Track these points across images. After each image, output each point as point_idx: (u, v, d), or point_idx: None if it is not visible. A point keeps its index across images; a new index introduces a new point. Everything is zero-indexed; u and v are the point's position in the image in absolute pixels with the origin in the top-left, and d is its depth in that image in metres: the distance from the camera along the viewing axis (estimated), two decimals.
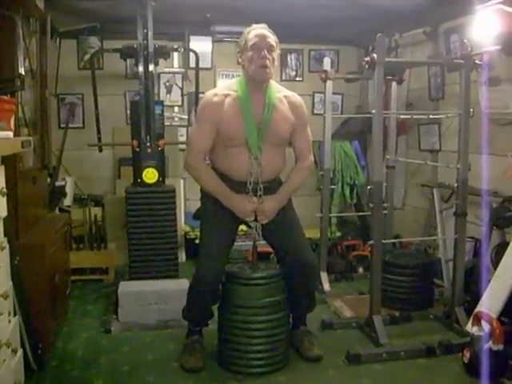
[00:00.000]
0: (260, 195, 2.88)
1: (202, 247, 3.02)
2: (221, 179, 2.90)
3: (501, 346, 2.80)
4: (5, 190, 2.19)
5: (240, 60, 2.90)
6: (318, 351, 3.11)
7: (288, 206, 3.04)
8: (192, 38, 5.32)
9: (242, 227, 3.16)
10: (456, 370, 2.95)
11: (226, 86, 3.02)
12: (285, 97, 2.97)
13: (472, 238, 3.91)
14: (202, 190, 3.06)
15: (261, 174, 2.85)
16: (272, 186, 2.95)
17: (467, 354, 2.91)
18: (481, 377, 2.74)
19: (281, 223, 2.98)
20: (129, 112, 4.71)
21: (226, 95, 2.89)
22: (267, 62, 2.79)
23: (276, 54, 2.86)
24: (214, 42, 5.42)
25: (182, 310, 3.16)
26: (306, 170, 3.05)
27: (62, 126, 5.26)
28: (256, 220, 2.92)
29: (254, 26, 2.89)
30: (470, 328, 3.15)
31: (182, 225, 5.16)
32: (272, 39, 2.83)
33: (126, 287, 3.69)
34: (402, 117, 4.60)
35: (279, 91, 2.97)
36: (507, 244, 3.33)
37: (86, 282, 4.44)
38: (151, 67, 3.86)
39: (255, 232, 2.95)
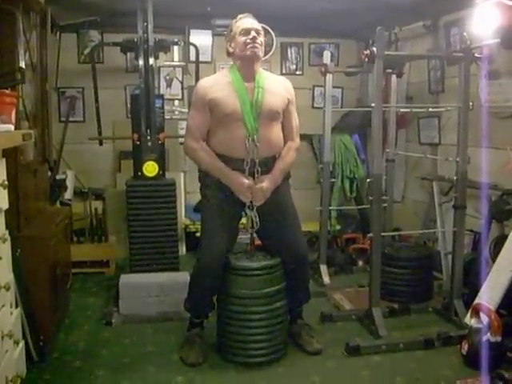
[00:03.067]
0: (257, 171, 2.91)
1: (203, 237, 3.06)
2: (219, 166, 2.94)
3: (499, 338, 2.83)
4: (6, 182, 2.20)
5: (230, 49, 3.02)
6: (318, 345, 3.14)
7: (285, 192, 3.10)
8: (192, 31, 5.32)
9: (243, 221, 3.17)
10: (454, 362, 2.98)
11: (218, 74, 3.30)
12: (272, 77, 3.13)
13: (471, 230, 3.92)
14: (200, 180, 3.10)
15: (257, 150, 2.90)
16: (268, 168, 2.98)
17: (465, 346, 2.94)
18: (479, 368, 2.77)
19: (277, 212, 3.02)
20: (129, 105, 4.71)
21: (219, 79, 3.05)
22: (257, 40, 2.92)
23: (262, 38, 2.99)
24: (214, 35, 5.40)
25: (184, 302, 3.18)
26: (295, 150, 3.10)
27: (63, 119, 5.27)
28: (251, 207, 2.95)
29: (240, 15, 3.03)
30: (469, 320, 3.18)
31: (183, 218, 5.18)
32: (258, 24, 2.98)
33: (126, 280, 3.71)
34: (401, 110, 4.61)
35: (267, 77, 3.07)
36: (506, 237, 3.34)
37: (86, 274, 4.46)
38: (151, 61, 3.86)
39: (252, 217, 2.97)
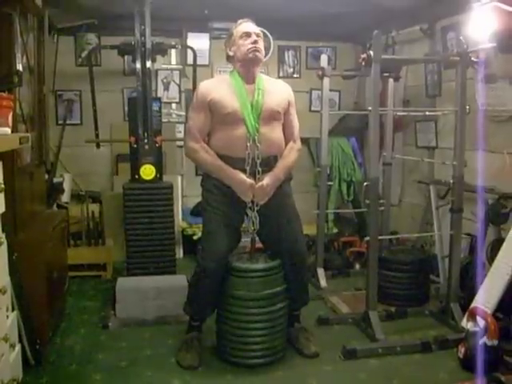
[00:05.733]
0: (259, 172, 2.92)
1: (204, 241, 3.05)
2: (221, 164, 2.94)
3: (495, 342, 2.83)
4: (2, 185, 2.20)
5: (230, 52, 3.06)
6: (315, 348, 3.13)
7: (287, 194, 3.10)
8: (189, 34, 5.32)
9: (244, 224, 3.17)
10: (451, 365, 2.98)
11: (218, 77, 3.37)
12: (273, 81, 3.18)
13: (468, 234, 3.93)
14: (202, 185, 3.10)
15: (258, 149, 2.91)
16: (270, 168, 2.99)
17: (462, 350, 2.94)
18: (476, 372, 2.77)
19: (278, 214, 3.03)
20: (126, 108, 4.71)
21: (219, 81, 3.13)
22: (258, 44, 2.98)
23: (262, 42, 3.03)
24: (211, 38, 5.41)
25: (184, 305, 3.18)
26: (297, 151, 3.13)
27: (60, 122, 5.26)
28: (252, 208, 2.96)
29: (240, 20, 3.07)
30: (466, 324, 3.18)
31: (180, 221, 5.17)
32: (258, 29, 3.03)
33: (123, 283, 3.70)
34: (398, 114, 4.61)
35: (267, 80, 3.12)
36: (502, 240, 3.35)
37: (83, 278, 4.45)
38: (149, 64, 3.87)
39: (252, 219, 2.97)
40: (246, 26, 3.01)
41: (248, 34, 2.96)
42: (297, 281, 3.11)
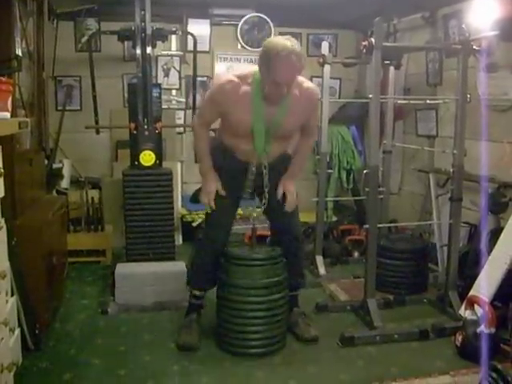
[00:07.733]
0: (265, 174, 2.95)
1: (213, 211, 3.09)
2: (227, 151, 2.97)
3: (493, 330, 2.84)
4: (2, 170, 2.20)
5: (262, 67, 2.71)
6: (315, 332, 3.15)
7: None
8: (190, 20, 5.30)
9: (240, 211, 3.20)
10: (448, 353, 2.99)
11: (243, 75, 2.82)
12: (301, 91, 2.84)
13: (467, 223, 3.93)
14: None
15: (266, 159, 2.94)
16: (276, 167, 2.99)
17: (460, 338, 2.95)
18: (473, 360, 2.79)
19: (275, 194, 3.07)
20: (126, 94, 4.70)
21: (241, 86, 2.78)
22: (283, 92, 2.69)
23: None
24: (212, 24, 5.39)
25: (187, 280, 3.35)
26: (310, 147, 3.19)
27: (59, 108, 5.24)
28: (262, 196, 3.02)
29: (283, 42, 2.62)
30: (463, 312, 3.19)
31: (179, 208, 5.17)
32: (297, 68, 2.64)
33: (122, 269, 3.71)
34: (399, 102, 4.60)
35: (297, 85, 2.79)
36: (501, 229, 3.35)
37: (83, 263, 4.46)
38: (149, 50, 3.85)
39: (263, 201, 3.02)
40: (288, 57, 2.58)
41: (279, 85, 2.65)
42: (291, 260, 3.12)
